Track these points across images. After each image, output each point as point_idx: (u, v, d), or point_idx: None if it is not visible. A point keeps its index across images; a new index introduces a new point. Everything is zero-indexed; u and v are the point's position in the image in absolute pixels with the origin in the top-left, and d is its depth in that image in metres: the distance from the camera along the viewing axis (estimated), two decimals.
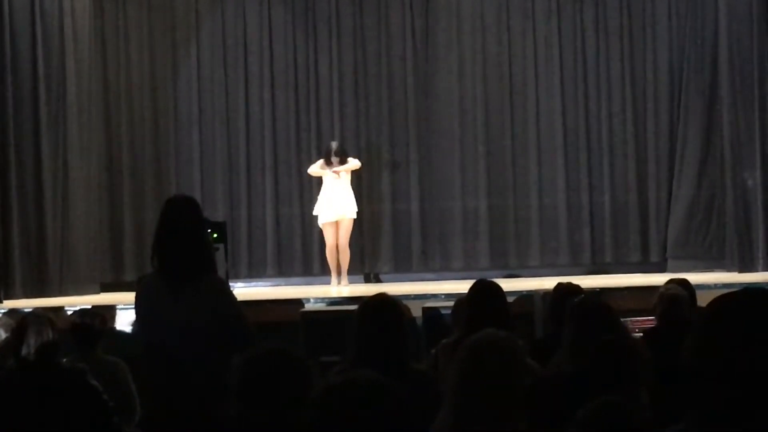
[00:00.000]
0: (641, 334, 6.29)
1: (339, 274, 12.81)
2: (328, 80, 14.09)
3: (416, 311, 8.87)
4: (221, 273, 7.88)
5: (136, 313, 5.07)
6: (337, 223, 12.69)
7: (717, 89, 13.09)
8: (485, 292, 5.78)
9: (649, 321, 7.17)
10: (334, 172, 12.62)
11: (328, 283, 12.90)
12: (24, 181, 11.80)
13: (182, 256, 4.87)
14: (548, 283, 8.53)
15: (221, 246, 10.28)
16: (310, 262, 13.82)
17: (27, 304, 10.95)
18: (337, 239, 12.72)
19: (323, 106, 14.11)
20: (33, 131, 11.90)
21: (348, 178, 12.74)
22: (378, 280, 13.80)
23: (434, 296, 10.41)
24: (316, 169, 12.88)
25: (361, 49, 14.13)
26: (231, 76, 14.11)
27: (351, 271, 13.09)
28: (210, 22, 14.15)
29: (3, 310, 10.08)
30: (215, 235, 9.95)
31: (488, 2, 14.10)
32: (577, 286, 6.62)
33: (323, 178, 12.73)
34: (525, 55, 14.04)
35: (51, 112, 12.07)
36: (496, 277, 8.73)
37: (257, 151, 14.03)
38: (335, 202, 12.61)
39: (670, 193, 13.69)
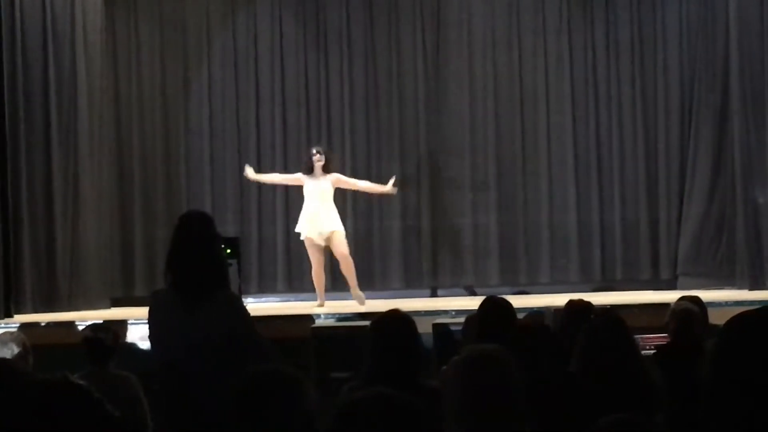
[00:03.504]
0: (654, 351, 6.29)
1: (324, 294, 12.08)
2: (339, 97, 14.10)
3: (426, 328, 8.85)
4: (234, 289, 7.88)
5: (149, 328, 5.06)
6: (325, 243, 11.88)
7: (728, 106, 13.05)
8: (495, 308, 5.80)
9: (660, 338, 7.17)
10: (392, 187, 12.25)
11: (339, 298, 12.48)
12: (34, 196, 11.82)
13: (196, 272, 4.88)
14: (559, 300, 8.52)
15: (234, 262, 10.26)
16: None
17: (37, 318, 10.97)
18: (323, 262, 11.98)
19: (334, 123, 14.11)
20: (44, 145, 11.92)
21: (331, 192, 11.98)
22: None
23: (444, 312, 10.40)
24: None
25: (372, 67, 14.14)
26: (242, 92, 14.12)
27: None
28: (221, 38, 14.18)
29: (15, 325, 10.10)
30: (228, 251, 9.92)
31: (499, 19, 14.12)
32: (589, 303, 6.61)
33: (304, 194, 12.04)
34: (536, 72, 14.04)
35: (62, 126, 12.10)
36: (506, 294, 8.73)
37: (268, 167, 13.99)
38: (320, 220, 11.85)
39: (680, 211, 13.65)
